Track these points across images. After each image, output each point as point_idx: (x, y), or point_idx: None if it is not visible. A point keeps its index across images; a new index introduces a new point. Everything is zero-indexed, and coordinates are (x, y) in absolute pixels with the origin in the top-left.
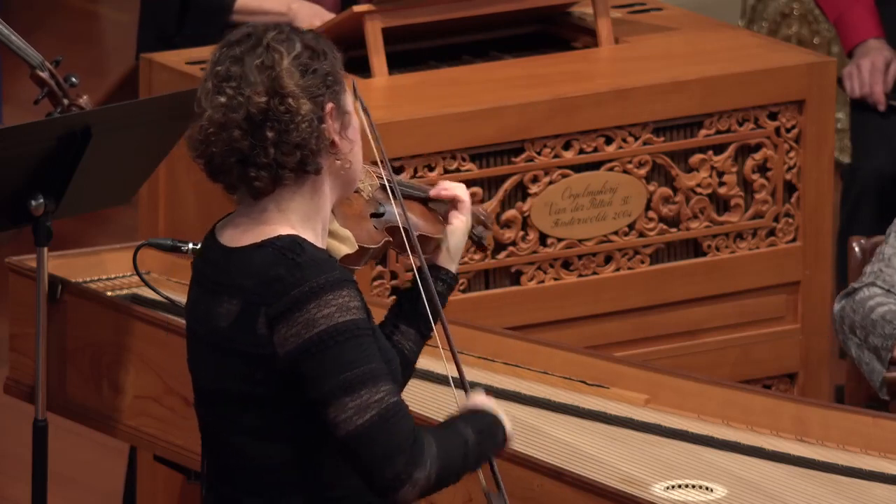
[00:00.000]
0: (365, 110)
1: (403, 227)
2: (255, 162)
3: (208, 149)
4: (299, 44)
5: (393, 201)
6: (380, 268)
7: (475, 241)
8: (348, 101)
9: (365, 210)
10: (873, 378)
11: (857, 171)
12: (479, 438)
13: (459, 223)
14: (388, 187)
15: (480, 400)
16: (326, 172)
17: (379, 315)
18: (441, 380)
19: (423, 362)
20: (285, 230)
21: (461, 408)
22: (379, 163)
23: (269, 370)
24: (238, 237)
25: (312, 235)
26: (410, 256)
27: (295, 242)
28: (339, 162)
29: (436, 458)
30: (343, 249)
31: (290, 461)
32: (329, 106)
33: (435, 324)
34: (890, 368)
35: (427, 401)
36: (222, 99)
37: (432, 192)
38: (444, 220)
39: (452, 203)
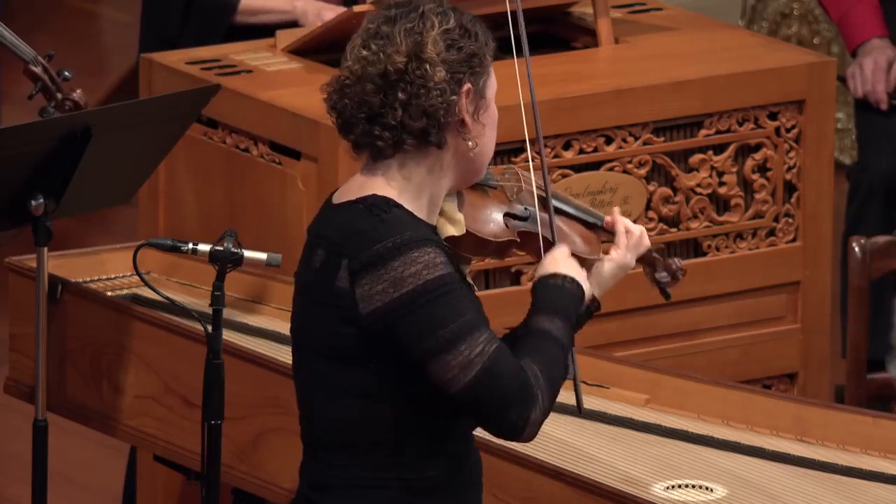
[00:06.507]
0: (534, 107)
1: (543, 236)
2: (381, 121)
3: (342, 100)
4: (454, 20)
5: (536, 206)
6: None
7: (659, 286)
8: (490, 88)
9: (500, 205)
10: None
11: (864, 171)
12: (571, 327)
13: (616, 255)
14: (535, 194)
15: (553, 264)
16: (451, 151)
17: None
18: None
19: None
20: (384, 192)
21: (537, 279)
22: (532, 170)
23: (349, 325)
24: (343, 195)
25: (416, 207)
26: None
27: (385, 201)
28: (467, 143)
29: (546, 390)
30: (449, 230)
31: (376, 418)
32: (466, 86)
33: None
34: None
35: None
36: (365, 53)
37: (605, 221)
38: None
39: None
